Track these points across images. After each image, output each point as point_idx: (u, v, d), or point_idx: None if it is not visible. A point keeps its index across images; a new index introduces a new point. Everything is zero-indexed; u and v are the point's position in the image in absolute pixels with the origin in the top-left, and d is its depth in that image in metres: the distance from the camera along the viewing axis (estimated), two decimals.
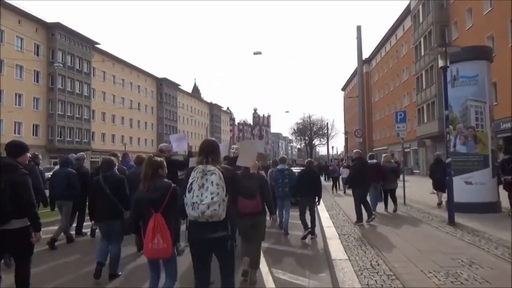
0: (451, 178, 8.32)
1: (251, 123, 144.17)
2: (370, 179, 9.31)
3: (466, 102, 9.93)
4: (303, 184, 7.96)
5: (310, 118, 66.36)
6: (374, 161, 10.95)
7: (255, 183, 3.88)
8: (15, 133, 37.52)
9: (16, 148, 4.04)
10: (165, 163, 3.84)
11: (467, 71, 10.00)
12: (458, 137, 9.90)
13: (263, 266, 5.56)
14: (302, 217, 7.90)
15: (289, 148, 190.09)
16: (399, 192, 11.43)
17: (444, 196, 10.03)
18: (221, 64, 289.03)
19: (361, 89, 23.31)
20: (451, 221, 7.99)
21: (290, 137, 74.67)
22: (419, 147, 38.61)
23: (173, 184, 3.67)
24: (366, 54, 68.82)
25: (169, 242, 3.44)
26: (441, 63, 8.29)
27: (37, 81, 41.36)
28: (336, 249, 6.09)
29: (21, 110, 38.79)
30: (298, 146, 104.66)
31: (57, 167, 7.98)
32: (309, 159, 10.01)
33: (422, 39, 35.06)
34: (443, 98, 8.60)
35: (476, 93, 9.90)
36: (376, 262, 5.28)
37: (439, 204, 11.44)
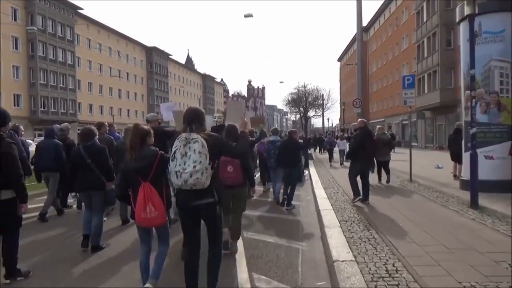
0: (476, 152, 6.90)
1: (245, 95, 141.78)
2: (372, 152, 8.32)
3: (490, 63, 8.40)
4: (284, 155, 7.99)
5: (305, 88, 62.55)
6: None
7: (244, 141, 3.78)
8: None
9: (1, 117, 3.86)
10: (152, 131, 3.69)
11: (491, 26, 8.40)
12: (479, 104, 8.41)
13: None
14: (285, 189, 8.13)
15: (284, 120, 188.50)
16: (399, 165, 11.32)
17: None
18: (214, 34, 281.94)
19: (360, 55, 21.55)
20: (474, 204, 6.64)
21: (285, 108, 71.37)
22: (418, 119, 37.21)
23: (160, 151, 3.52)
24: (364, 23, 66.35)
25: (161, 209, 3.41)
26: (467, 10, 6.71)
27: (16, 48, 38.90)
28: (338, 244, 4.70)
29: None
30: (293, 118, 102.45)
31: (42, 138, 7.75)
32: (291, 129, 9.64)
33: (424, 4, 32.99)
34: (469, 55, 7.03)
35: (502, 52, 8.35)
36: (393, 265, 3.90)
37: (455, 176, 10.56)
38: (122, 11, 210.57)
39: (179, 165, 2.96)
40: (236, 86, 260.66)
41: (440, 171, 13.78)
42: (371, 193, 7.98)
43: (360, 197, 7.58)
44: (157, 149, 3.58)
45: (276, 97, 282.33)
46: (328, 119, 78.16)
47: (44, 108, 41.15)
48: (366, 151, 7.85)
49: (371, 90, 56.99)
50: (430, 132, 36.49)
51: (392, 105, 47.23)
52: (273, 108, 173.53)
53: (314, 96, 61.54)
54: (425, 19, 33.13)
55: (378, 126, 11.81)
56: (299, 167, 9.25)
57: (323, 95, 60.32)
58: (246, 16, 24.50)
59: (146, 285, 3.46)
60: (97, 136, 5.32)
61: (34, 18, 39.79)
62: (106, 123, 7.64)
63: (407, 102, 11.16)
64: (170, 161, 3.04)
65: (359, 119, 8.44)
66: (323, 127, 68.05)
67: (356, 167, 7.84)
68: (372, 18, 55.41)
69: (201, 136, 3.03)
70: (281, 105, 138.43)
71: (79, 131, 6.08)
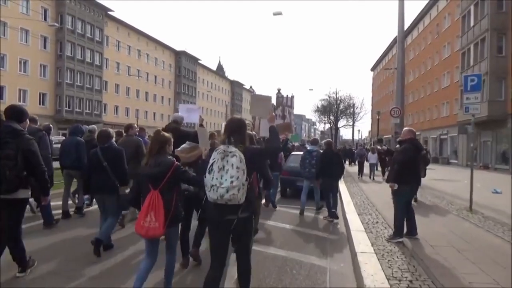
0: None
1: (274, 103, 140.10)
2: (421, 173, 6.93)
3: None
4: (326, 166, 7.86)
5: (337, 94, 56.96)
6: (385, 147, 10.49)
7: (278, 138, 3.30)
8: (20, 100, 35.26)
9: (19, 113, 3.91)
10: (172, 140, 3.64)
11: None
12: None
13: None
14: (327, 200, 8.00)
15: (312, 130, 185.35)
16: (443, 186, 10.83)
17: None
18: (246, 42, 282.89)
19: (401, 59, 19.24)
20: None
21: (314, 117, 67.57)
22: (459, 134, 34.06)
23: (176, 162, 3.49)
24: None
25: (161, 221, 3.28)
26: None
27: (45, 47, 38.81)
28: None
29: (26, 77, 36.45)
30: (321, 129, 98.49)
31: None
32: (327, 139, 9.60)
33: (472, 7, 30.13)
34: None
35: None
36: None
37: None
38: (153, 15, 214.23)
39: (216, 178, 2.87)
40: (265, 94, 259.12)
41: (500, 197, 11.35)
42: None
43: (401, 239, 5.51)
44: (174, 159, 3.53)
45: (305, 106, 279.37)
46: (359, 130, 74.70)
47: (69, 107, 40.82)
48: (416, 170, 5.84)
49: (407, 101, 53.48)
50: (474, 148, 33.26)
51: (429, 117, 44.08)
52: (301, 117, 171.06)
53: (346, 104, 56.50)
54: (472, 24, 30.25)
55: None
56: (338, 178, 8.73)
57: (354, 103, 56.26)
58: (275, 14, 22.76)
59: None
60: (114, 139, 5.34)
61: (64, 18, 39.65)
62: (136, 126, 7.56)
63: (470, 109, 8.91)
64: (207, 173, 2.94)
65: (406, 128, 6.36)
66: (353, 138, 65.05)
67: (405, 192, 5.78)
68: (410, 25, 52.42)
69: (239, 150, 2.93)
70: (309, 114, 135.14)
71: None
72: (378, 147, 10.80)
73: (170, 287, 3.57)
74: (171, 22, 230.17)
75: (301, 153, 9.93)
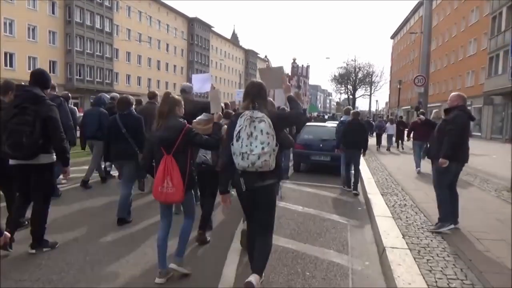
0: None
1: (289, 73, 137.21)
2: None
3: None
4: (349, 136, 7.70)
5: (355, 61, 54.04)
6: (424, 118, 10.33)
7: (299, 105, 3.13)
8: (30, 68, 34.60)
9: (45, 79, 3.85)
10: (182, 102, 3.51)
11: None
12: None
13: None
14: (347, 171, 7.94)
15: (328, 101, 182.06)
16: (477, 161, 9.71)
17: None
18: (261, 9, 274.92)
19: (428, 22, 17.61)
20: None
21: (330, 86, 65.51)
22: (484, 105, 32.25)
23: (187, 124, 3.38)
24: None
25: (179, 186, 3.19)
26: None
27: (53, 13, 37.68)
28: None
29: (35, 44, 35.62)
30: (337, 99, 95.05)
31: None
32: (356, 109, 9.68)
33: None
34: None
35: None
36: None
37: None
38: None
39: (246, 146, 2.76)
40: (280, 63, 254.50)
41: None
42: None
43: (454, 226, 4.54)
44: (185, 121, 3.40)
45: (321, 77, 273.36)
46: (376, 101, 71.83)
47: (79, 76, 40.07)
48: (467, 143, 4.82)
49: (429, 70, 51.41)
50: (499, 121, 31.46)
51: (452, 87, 41.85)
52: (317, 88, 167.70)
53: (365, 72, 53.39)
54: None
55: (434, 110, 10.80)
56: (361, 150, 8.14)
57: (374, 72, 53.35)
58: None
59: (171, 265, 3.35)
60: (133, 106, 5.29)
61: None
62: (157, 93, 7.37)
63: None
64: (234, 141, 2.81)
65: (455, 93, 5.27)
66: (370, 109, 63.05)
67: (450, 172, 4.75)
68: None
69: (266, 115, 2.83)
70: (325, 85, 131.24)
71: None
72: (422, 116, 10.01)
73: (183, 255, 3.46)
74: None
75: (317, 124, 9.18)
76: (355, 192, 7.55)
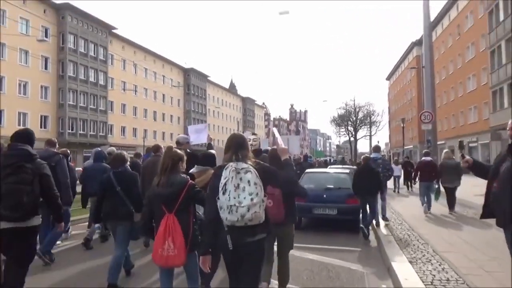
0: None
1: (288, 119, 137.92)
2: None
3: None
4: (362, 181, 7.57)
5: (354, 102, 51.15)
6: (429, 158, 10.57)
7: (290, 169, 3.19)
8: (19, 124, 33.63)
9: (31, 136, 3.75)
10: (185, 157, 3.44)
11: None
12: None
13: None
14: (364, 214, 7.73)
15: (328, 144, 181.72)
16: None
17: None
18: (257, 59, 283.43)
19: (429, 55, 16.61)
20: None
21: (329, 129, 64.04)
22: (492, 141, 30.85)
23: (190, 180, 3.25)
24: (417, 36, 60.42)
25: (181, 247, 3.01)
26: None
27: (46, 68, 37.45)
28: None
29: (26, 99, 34.94)
30: (337, 143, 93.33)
31: (90, 161, 7.61)
32: (365, 155, 9.85)
33: (501, 0, 27.37)
34: None
35: None
36: None
37: None
38: (159, 33, 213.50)
39: (234, 198, 2.60)
40: (278, 110, 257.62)
41: None
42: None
43: None
44: (188, 177, 3.29)
45: (319, 121, 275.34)
46: (378, 141, 70.31)
47: (72, 130, 39.12)
48: None
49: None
50: None
51: (455, 124, 40.85)
52: (316, 132, 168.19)
53: (365, 112, 50.42)
54: (501, 18, 27.43)
55: (444, 151, 11.04)
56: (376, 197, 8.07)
57: (374, 111, 51.04)
58: (281, 13, 20.53)
59: None
60: (128, 163, 5.13)
61: (66, 37, 38.40)
62: (161, 146, 7.15)
63: None
64: (221, 194, 2.64)
65: None
66: (370, 151, 61.77)
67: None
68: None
69: (251, 166, 2.74)
70: (324, 128, 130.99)
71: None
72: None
73: None
74: (178, 40, 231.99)
75: (319, 170, 7.82)
76: (361, 227, 7.39)
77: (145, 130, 51.99)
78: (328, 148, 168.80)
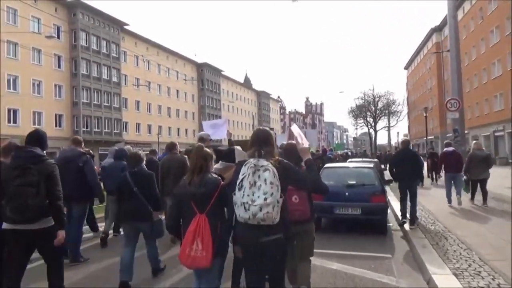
0: None
1: (303, 112, 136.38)
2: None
3: None
4: (403, 166, 7.44)
5: (373, 91, 47.69)
6: (451, 149, 10.34)
7: (313, 168, 3.01)
8: (34, 124, 33.73)
9: (42, 138, 3.77)
10: (213, 156, 3.45)
11: None
12: None
13: None
14: (403, 203, 7.53)
15: (344, 137, 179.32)
16: None
17: None
18: (272, 52, 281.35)
19: (454, 38, 15.41)
20: None
21: (347, 121, 61.10)
22: None
23: (221, 181, 3.18)
24: (436, 21, 58.36)
25: (208, 249, 2.93)
26: None
27: (59, 67, 37.37)
28: None
29: (40, 98, 34.96)
30: (354, 135, 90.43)
31: (108, 160, 7.44)
32: (404, 138, 10.47)
33: None
34: None
35: None
36: None
37: None
38: (172, 28, 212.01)
39: (247, 195, 2.58)
40: (293, 103, 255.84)
41: None
42: None
43: None
44: (219, 178, 3.23)
45: (336, 113, 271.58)
46: (397, 133, 67.67)
47: (87, 128, 39.09)
48: None
49: (449, 96, 48.78)
50: None
51: (479, 113, 39.09)
52: (332, 124, 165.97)
53: (385, 101, 46.47)
54: None
55: (474, 141, 10.87)
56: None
57: (395, 100, 47.38)
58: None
59: None
60: (144, 162, 5.14)
61: (78, 35, 38.24)
62: (177, 143, 7.14)
63: None
64: (237, 190, 2.65)
65: None
66: (389, 141, 59.95)
67: None
68: (446, 15, 47.77)
69: (271, 164, 2.67)
70: (340, 121, 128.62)
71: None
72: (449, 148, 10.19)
73: None
74: (191, 36, 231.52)
75: (340, 165, 7.07)
76: (412, 227, 7.01)
77: (160, 127, 51.76)
78: (345, 141, 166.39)
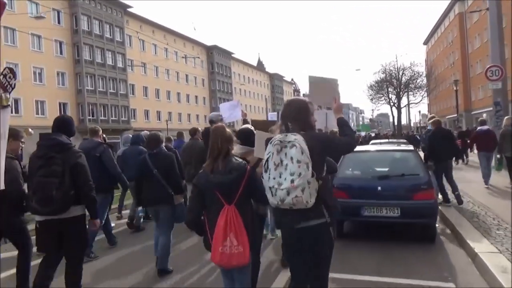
0: None
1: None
2: None
3: None
4: (439, 146, 7.17)
5: (397, 62, 42.09)
6: (486, 127, 9.92)
7: (351, 129, 2.73)
8: (37, 113, 32.63)
9: (68, 125, 3.66)
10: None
11: None
12: None
13: None
14: (440, 183, 7.19)
15: (360, 119, 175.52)
16: None
17: None
18: (284, 33, 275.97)
19: None
20: None
21: (362, 102, 55.81)
22: None
23: (248, 165, 2.79)
24: None
25: (245, 244, 2.62)
26: None
27: (61, 53, 35.90)
28: None
29: (42, 86, 33.65)
30: (370, 116, 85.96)
31: (123, 147, 7.66)
32: (435, 118, 8.30)
33: None
34: None
35: None
36: None
37: None
38: (178, 9, 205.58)
39: (273, 178, 2.32)
40: (307, 85, 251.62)
41: None
42: None
43: None
44: (244, 162, 2.82)
45: (351, 95, 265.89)
46: (419, 112, 63.45)
47: (92, 116, 37.78)
48: None
49: (473, 73, 45.55)
50: None
51: (510, 86, 36.02)
52: (348, 106, 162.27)
53: (408, 76, 40.12)
54: None
55: (506, 117, 9.55)
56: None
57: (422, 73, 41.71)
58: None
59: None
60: (164, 143, 4.98)
61: (78, 19, 36.57)
62: (199, 129, 7.10)
63: None
64: (263, 172, 2.43)
65: None
66: (409, 121, 56.80)
67: None
68: None
69: (300, 137, 2.34)
70: (356, 102, 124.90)
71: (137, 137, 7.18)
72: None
73: None
74: (199, 18, 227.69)
75: (365, 148, 5.28)
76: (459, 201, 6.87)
77: (170, 113, 50.26)
78: (361, 123, 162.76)
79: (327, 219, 2.40)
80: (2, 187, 2.68)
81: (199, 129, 7.08)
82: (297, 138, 2.32)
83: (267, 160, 2.38)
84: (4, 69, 2.93)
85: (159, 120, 48.11)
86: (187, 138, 7.96)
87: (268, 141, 2.52)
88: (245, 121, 6.02)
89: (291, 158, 2.26)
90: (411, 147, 6.42)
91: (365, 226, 5.82)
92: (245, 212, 2.67)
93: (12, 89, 2.86)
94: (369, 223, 5.44)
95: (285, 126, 2.47)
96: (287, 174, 2.25)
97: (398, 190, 5.01)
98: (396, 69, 40.38)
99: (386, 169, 5.38)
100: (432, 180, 5.27)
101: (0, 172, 2.64)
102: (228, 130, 2.86)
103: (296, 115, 2.50)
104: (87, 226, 3.68)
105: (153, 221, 4.75)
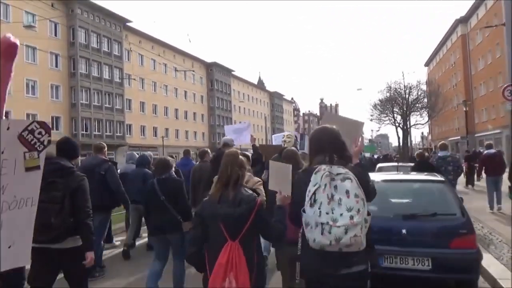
0: None
1: (318, 114, 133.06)
2: None
3: None
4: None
5: (404, 80, 41.41)
6: (493, 150, 10.23)
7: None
8: None
9: (72, 148, 3.50)
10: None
11: None
12: None
13: None
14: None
15: (359, 140, 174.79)
16: None
17: None
18: (285, 54, 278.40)
19: (510, 8, 12.12)
20: None
21: (364, 121, 53.45)
22: None
23: (258, 197, 2.53)
24: (461, 12, 54.40)
25: (245, 286, 2.33)
26: None
27: (56, 66, 35.06)
28: None
29: (35, 99, 32.65)
30: (370, 137, 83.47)
31: (127, 165, 7.48)
32: (419, 150, 9.92)
33: None
34: None
35: None
36: None
37: None
38: (179, 26, 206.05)
39: (326, 213, 2.02)
40: (307, 105, 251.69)
41: None
42: None
43: None
44: (254, 193, 2.55)
45: (351, 115, 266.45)
46: (422, 133, 62.38)
47: (86, 131, 36.66)
48: None
49: (476, 94, 44.82)
50: None
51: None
52: None
53: (414, 96, 38.03)
54: None
55: None
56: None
57: (429, 92, 39.57)
58: None
59: None
60: (173, 169, 4.74)
61: (76, 32, 35.89)
62: (208, 150, 6.97)
63: None
64: (308, 206, 2.11)
65: None
66: (410, 142, 55.70)
67: None
68: (472, 5, 43.92)
69: (351, 171, 2.15)
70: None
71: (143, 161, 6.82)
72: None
73: None
74: (200, 34, 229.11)
75: (383, 177, 4.00)
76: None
77: (167, 129, 49.19)
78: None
79: (368, 266, 2.15)
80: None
81: (209, 151, 6.85)
82: (348, 171, 2.15)
83: (314, 193, 2.10)
84: (32, 123, 2.04)
85: (155, 136, 47.01)
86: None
87: (305, 171, 2.32)
88: (254, 147, 5.97)
89: (347, 192, 2.05)
90: (440, 177, 5.01)
91: (382, 279, 4.41)
92: (249, 249, 2.42)
93: (44, 147, 2.13)
94: (389, 277, 4.09)
95: (330, 157, 2.24)
96: (343, 210, 2.01)
97: (429, 234, 3.78)
98: (403, 88, 38.20)
99: (412, 205, 4.15)
100: (471, 222, 3.97)
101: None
102: (241, 156, 2.65)
103: (338, 143, 2.32)
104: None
105: (153, 250, 4.52)
